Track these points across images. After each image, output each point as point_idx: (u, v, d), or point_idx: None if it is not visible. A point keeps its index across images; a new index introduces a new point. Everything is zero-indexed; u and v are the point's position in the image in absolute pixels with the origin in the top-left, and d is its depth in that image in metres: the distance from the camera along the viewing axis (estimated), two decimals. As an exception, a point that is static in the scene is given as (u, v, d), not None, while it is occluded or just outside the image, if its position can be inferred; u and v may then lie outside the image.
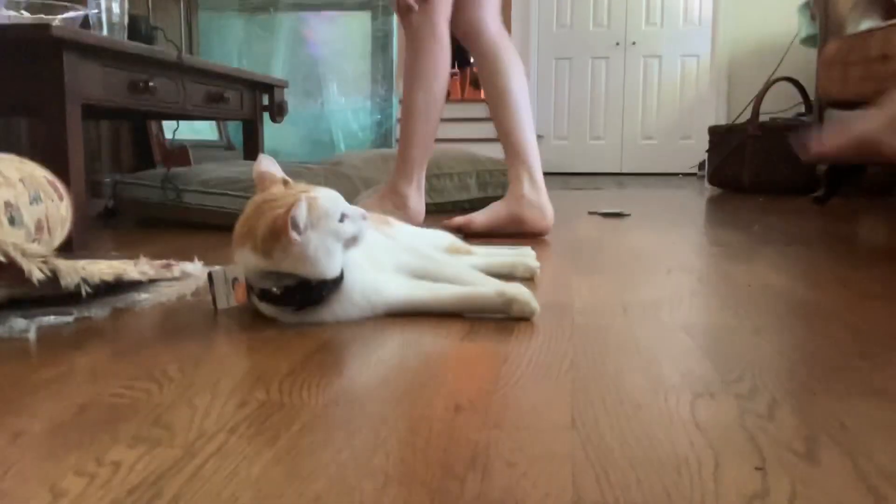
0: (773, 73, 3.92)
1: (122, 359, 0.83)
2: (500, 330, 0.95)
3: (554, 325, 0.97)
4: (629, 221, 2.30)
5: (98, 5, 1.93)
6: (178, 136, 2.54)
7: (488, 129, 6.15)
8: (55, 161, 1.55)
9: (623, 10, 5.41)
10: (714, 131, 3.93)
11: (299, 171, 2.17)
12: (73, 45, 1.65)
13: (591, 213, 2.54)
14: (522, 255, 1.34)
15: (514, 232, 1.85)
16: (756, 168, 3.58)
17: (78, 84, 1.69)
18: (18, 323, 0.95)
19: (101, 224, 2.25)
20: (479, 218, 1.88)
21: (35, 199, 1.26)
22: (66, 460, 0.55)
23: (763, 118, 3.69)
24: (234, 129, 3.47)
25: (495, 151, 5.08)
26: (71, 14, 1.77)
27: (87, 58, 1.73)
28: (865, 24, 2.53)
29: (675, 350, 0.87)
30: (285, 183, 1.00)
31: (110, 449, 0.58)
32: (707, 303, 1.15)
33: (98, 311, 1.03)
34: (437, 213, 2.41)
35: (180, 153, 3.03)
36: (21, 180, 1.24)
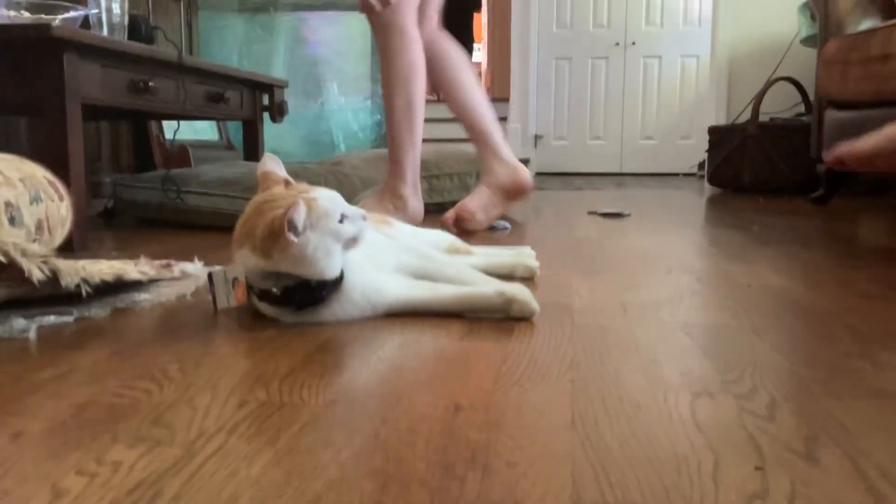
0: (772, 73, 3.92)
1: (123, 359, 0.83)
2: (500, 330, 0.95)
3: (554, 325, 0.97)
4: (629, 221, 2.30)
5: (98, 5, 1.93)
6: (179, 136, 2.54)
7: (488, 130, 6.10)
8: (55, 161, 1.55)
9: (623, 11, 5.41)
10: (714, 131, 3.93)
11: (299, 171, 2.17)
12: (73, 45, 1.65)
13: (590, 213, 2.54)
14: (522, 256, 1.34)
15: (506, 207, 2.01)
16: (756, 168, 3.58)
17: (78, 84, 1.69)
18: (19, 323, 0.95)
19: (101, 224, 2.25)
20: (477, 214, 1.94)
21: (35, 199, 1.26)
22: (66, 460, 0.56)
23: (763, 118, 3.69)
24: (235, 130, 3.47)
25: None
26: (71, 14, 1.77)
27: (87, 58, 1.73)
28: (865, 24, 2.53)
29: (675, 350, 0.87)
30: (287, 183, 1.01)
31: (111, 448, 0.58)
32: (707, 303, 1.15)
33: (98, 311, 1.04)
34: (438, 213, 2.42)
35: (181, 153, 3.03)
36: (21, 180, 1.25)
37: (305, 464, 0.55)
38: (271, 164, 1.03)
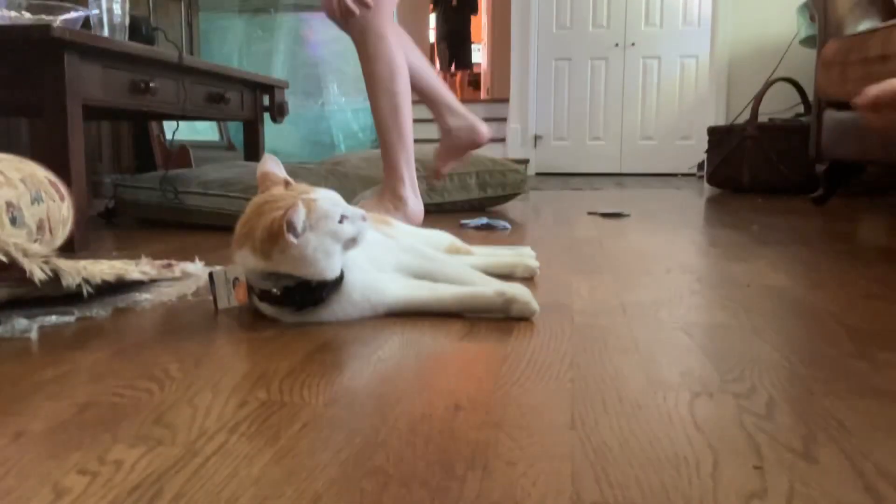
0: (772, 74, 3.92)
1: (124, 358, 0.84)
2: (500, 330, 0.95)
3: (554, 325, 0.97)
4: (629, 221, 2.31)
5: (99, 6, 1.93)
6: (179, 136, 2.54)
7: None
8: (56, 161, 1.55)
9: (622, 11, 5.41)
10: (713, 131, 3.94)
11: (299, 171, 2.18)
12: (73, 45, 1.65)
13: (590, 213, 2.54)
14: (522, 256, 1.34)
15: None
16: (755, 168, 3.58)
17: (79, 85, 1.69)
18: (20, 323, 0.95)
19: (101, 224, 2.25)
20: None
21: (36, 200, 1.26)
22: (67, 459, 0.56)
23: (762, 118, 3.69)
24: (235, 130, 3.47)
25: (495, 151, 5.10)
26: (72, 15, 1.77)
27: (87, 58, 1.73)
28: (864, 25, 2.53)
29: (675, 350, 0.88)
30: (287, 184, 1.01)
31: (112, 448, 0.58)
32: (706, 302, 1.15)
33: (99, 311, 1.04)
34: (438, 213, 2.42)
35: (181, 154, 3.03)
36: (22, 180, 1.25)
37: (305, 464, 0.55)
38: (270, 165, 1.03)
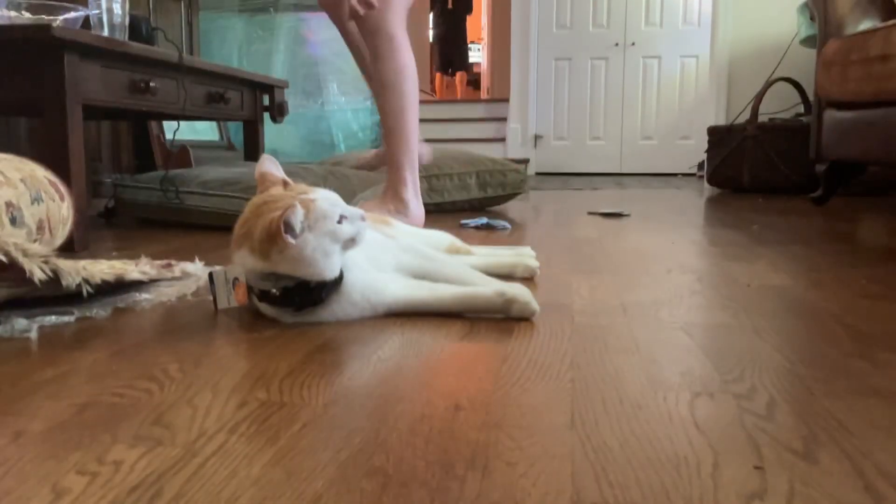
0: (772, 74, 3.92)
1: (123, 358, 0.84)
2: (500, 330, 0.95)
3: (554, 325, 0.97)
4: (629, 221, 2.31)
5: (99, 6, 1.93)
6: (179, 136, 2.54)
7: (488, 129, 6.15)
8: (56, 161, 1.55)
9: (622, 11, 5.41)
10: (713, 131, 3.93)
11: (299, 171, 2.17)
12: (73, 45, 1.65)
13: (590, 213, 2.54)
14: (522, 256, 1.34)
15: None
16: (755, 168, 3.58)
17: (79, 84, 1.69)
18: (20, 323, 0.95)
19: (101, 224, 2.25)
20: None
21: (36, 199, 1.26)
22: (67, 459, 0.56)
23: (762, 118, 3.69)
24: (235, 130, 3.47)
25: (495, 151, 5.09)
26: (72, 14, 1.77)
27: (87, 58, 1.73)
28: (865, 25, 2.53)
29: (675, 349, 0.87)
30: (285, 184, 1.01)
31: (111, 448, 0.58)
32: (707, 302, 1.15)
33: (99, 311, 1.04)
34: (438, 213, 2.42)
35: (181, 153, 3.03)
36: (22, 180, 1.25)
37: (305, 464, 0.55)
38: (268, 165, 1.03)
